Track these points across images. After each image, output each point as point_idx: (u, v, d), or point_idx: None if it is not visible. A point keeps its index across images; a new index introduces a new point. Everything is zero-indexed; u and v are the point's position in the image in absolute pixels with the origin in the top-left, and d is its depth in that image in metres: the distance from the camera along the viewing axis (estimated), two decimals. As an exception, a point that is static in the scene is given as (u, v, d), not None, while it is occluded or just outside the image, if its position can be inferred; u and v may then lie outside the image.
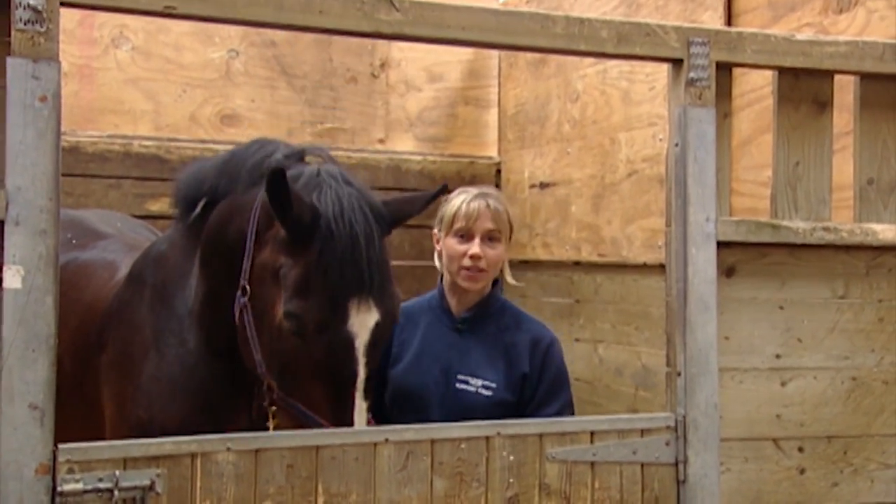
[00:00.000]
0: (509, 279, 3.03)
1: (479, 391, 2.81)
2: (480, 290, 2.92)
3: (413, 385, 2.84)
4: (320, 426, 2.34)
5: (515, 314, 2.98)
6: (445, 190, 2.78)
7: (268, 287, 2.43)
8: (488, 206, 2.87)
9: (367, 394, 2.40)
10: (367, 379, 2.39)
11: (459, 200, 2.90)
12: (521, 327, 2.93)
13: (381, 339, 2.44)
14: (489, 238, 2.87)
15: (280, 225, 2.41)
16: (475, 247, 2.84)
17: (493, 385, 2.81)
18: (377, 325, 2.40)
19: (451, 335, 2.91)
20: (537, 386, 2.84)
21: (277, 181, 2.30)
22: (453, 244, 2.88)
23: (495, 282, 2.99)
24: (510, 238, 2.95)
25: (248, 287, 2.46)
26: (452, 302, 2.94)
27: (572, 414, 2.91)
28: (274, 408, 2.43)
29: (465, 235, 2.87)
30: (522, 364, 2.84)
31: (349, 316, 2.36)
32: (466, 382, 2.82)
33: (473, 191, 2.95)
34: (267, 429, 2.45)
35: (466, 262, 2.85)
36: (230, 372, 2.68)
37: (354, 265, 2.35)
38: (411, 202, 2.67)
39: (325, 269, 2.34)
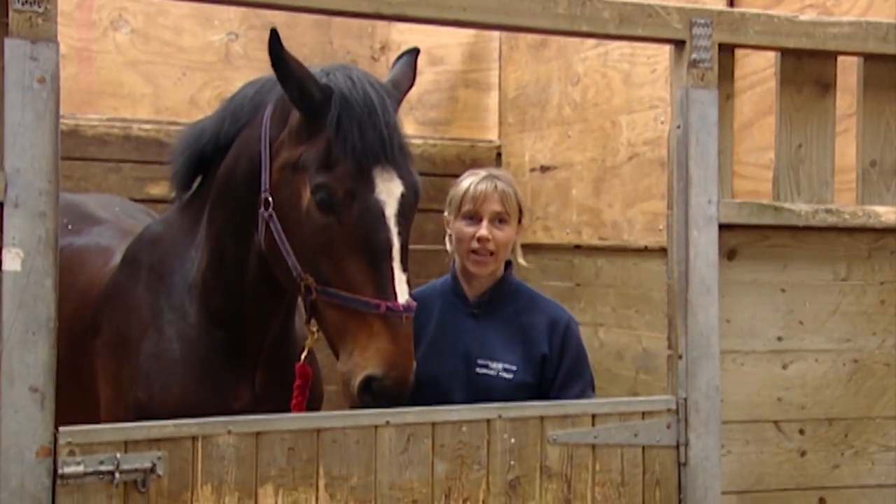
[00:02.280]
0: (521, 260, 3.00)
1: (500, 374, 2.78)
2: (493, 273, 2.89)
3: (432, 373, 2.78)
4: (367, 307, 2.31)
5: (530, 295, 2.96)
6: (417, 50, 2.77)
7: (289, 183, 2.43)
8: (496, 187, 2.84)
9: (405, 265, 2.40)
10: (402, 248, 2.39)
11: (467, 182, 2.87)
12: (538, 308, 2.91)
13: (409, 211, 2.44)
14: (498, 220, 2.84)
15: (293, 118, 2.43)
16: (483, 229, 2.82)
17: (514, 368, 2.79)
18: (403, 195, 2.41)
19: (467, 320, 2.88)
20: (558, 367, 2.82)
21: (275, 41, 2.34)
22: (461, 227, 2.86)
23: (508, 264, 2.96)
24: (521, 220, 2.92)
25: (269, 198, 2.46)
26: (466, 286, 2.92)
27: (594, 392, 2.90)
28: (315, 328, 2.44)
29: (474, 218, 2.85)
30: (541, 345, 2.82)
31: (375, 183, 2.37)
32: (487, 366, 2.80)
33: (482, 172, 2.92)
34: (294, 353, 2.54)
35: (474, 244, 2.83)
36: (233, 343, 2.68)
37: (374, 128, 2.37)
38: (404, 75, 2.69)
39: (345, 135, 2.35)
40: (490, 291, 2.89)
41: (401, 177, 2.41)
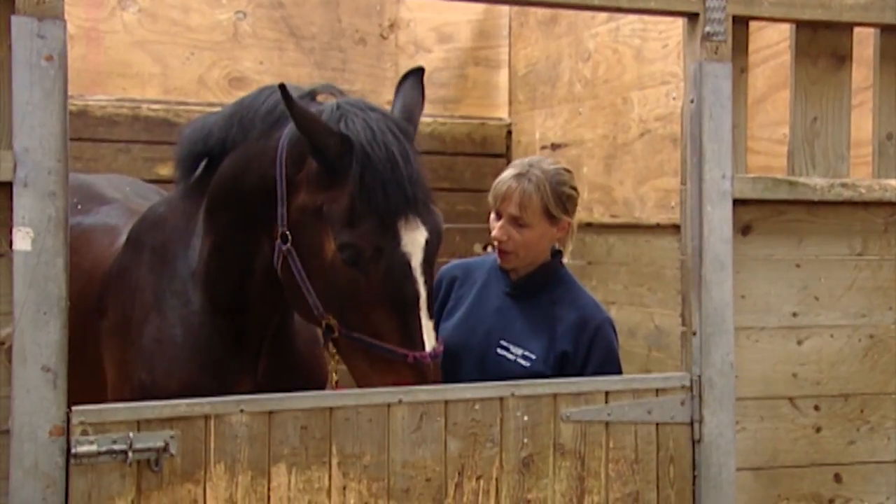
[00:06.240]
0: (567, 258, 2.91)
1: (518, 360, 2.74)
2: (530, 261, 2.84)
3: (456, 343, 2.78)
4: (392, 355, 2.35)
5: (570, 288, 2.88)
6: (421, 70, 2.71)
7: (310, 228, 2.43)
8: (520, 188, 2.74)
9: (431, 312, 2.42)
10: (429, 296, 2.41)
11: (502, 176, 2.81)
12: (573, 303, 2.82)
13: (433, 256, 2.45)
14: (516, 223, 2.77)
15: (312, 162, 2.41)
16: (497, 229, 2.78)
17: (533, 357, 2.74)
18: (427, 242, 2.41)
19: (503, 299, 2.85)
20: (583, 368, 2.74)
21: (286, 96, 2.30)
22: (491, 219, 2.83)
23: (558, 252, 2.91)
24: (557, 217, 2.79)
25: (288, 233, 2.45)
26: None
27: None
28: (334, 351, 2.45)
29: (497, 214, 2.81)
30: (564, 342, 2.75)
31: (400, 236, 2.36)
32: (507, 350, 2.76)
33: (521, 165, 2.82)
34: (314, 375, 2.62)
35: (494, 241, 2.81)
36: (235, 331, 2.68)
37: (397, 184, 2.36)
38: (414, 100, 2.65)
39: (369, 193, 2.34)
40: (528, 276, 2.85)
41: (424, 223, 2.41)
